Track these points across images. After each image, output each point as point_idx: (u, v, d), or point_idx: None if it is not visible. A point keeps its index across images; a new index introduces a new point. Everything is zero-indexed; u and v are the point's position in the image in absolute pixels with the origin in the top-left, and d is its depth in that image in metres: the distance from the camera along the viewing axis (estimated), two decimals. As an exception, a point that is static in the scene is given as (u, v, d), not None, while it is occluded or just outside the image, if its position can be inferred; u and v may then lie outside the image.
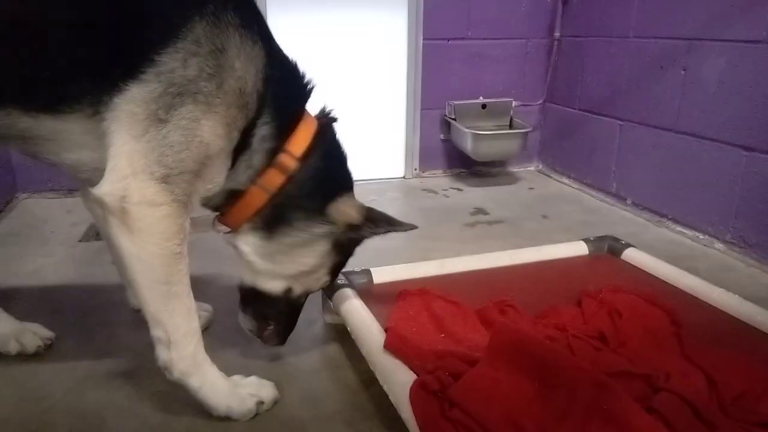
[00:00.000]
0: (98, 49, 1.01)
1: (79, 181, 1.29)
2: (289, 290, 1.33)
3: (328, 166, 1.27)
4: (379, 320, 1.32)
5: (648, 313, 1.40)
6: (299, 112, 1.24)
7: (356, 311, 1.38)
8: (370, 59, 2.91)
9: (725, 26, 2.07)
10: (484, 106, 3.06)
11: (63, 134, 1.05)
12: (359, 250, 1.99)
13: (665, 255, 1.84)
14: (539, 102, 3.19)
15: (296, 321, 1.40)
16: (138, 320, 1.55)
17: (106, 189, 1.03)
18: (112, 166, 1.03)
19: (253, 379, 1.25)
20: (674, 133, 2.33)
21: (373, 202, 2.55)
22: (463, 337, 1.29)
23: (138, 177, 1.02)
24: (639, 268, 1.71)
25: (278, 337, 1.37)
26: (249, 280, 1.33)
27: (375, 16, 2.85)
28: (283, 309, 1.35)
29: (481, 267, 1.69)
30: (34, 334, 1.43)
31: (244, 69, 1.09)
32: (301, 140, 1.21)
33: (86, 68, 1.01)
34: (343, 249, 1.34)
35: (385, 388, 1.15)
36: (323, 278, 1.36)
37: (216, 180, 1.17)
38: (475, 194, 2.85)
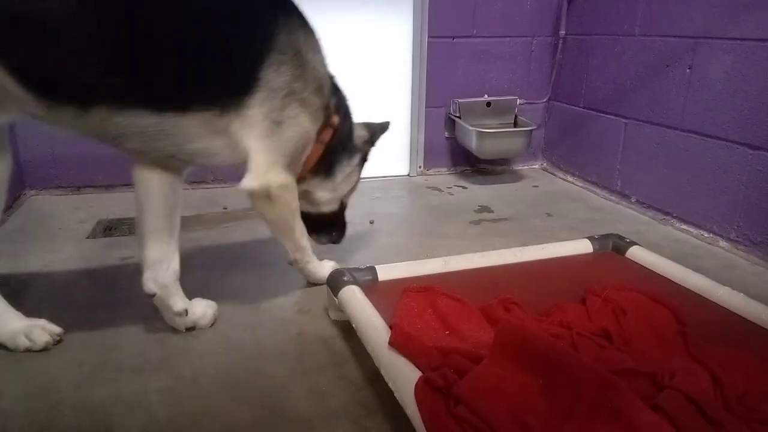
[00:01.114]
0: (222, 62, 1.28)
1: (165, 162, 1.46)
2: (342, 203, 1.83)
3: (346, 112, 1.68)
4: (384, 317, 1.33)
5: (653, 311, 1.40)
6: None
7: (361, 308, 1.38)
8: (376, 57, 2.91)
9: (731, 24, 2.06)
10: (488, 104, 3.06)
11: (185, 129, 1.29)
12: (363, 247, 2.01)
13: (670, 253, 1.84)
14: (544, 100, 3.19)
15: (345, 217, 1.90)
16: (147, 315, 1.58)
17: (254, 184, 1.42)
18: (254, 165, 1.40)
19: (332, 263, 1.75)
20: (679, 131, 2.32)
21: (378, 199, 2.58)
22: (467, 334, 1.30)
23: (274, 170, 1.42)
24: (643, 266, 1.71)
25: (340, 234, 1.88)
26: (315, 210, 1.77)
27: (380, 14, 2.86)
28: (340, 217, 1.85)
29: (486, 264, 1.70)
30: (42, 330, 1.44)
31: (313, 59, 1.43)
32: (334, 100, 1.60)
33: (216, 78, 1.29)
34: (364, 159, 1.82)
35: (390, 384, 1.16)
36: (358, 182, 1.85)
37: (308, 149, 1.54)
38: (479, 192, 2.85)
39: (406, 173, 3.11)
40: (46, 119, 1.20)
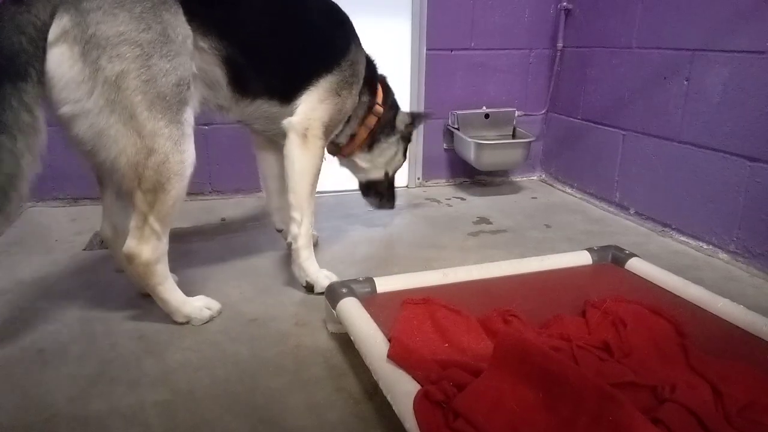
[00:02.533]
0: (318, 61, 1.78)
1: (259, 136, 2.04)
2: (386, 173, 2.25)
3: (392, 104, 2.16)
4: (382, 330, 1.32)
5: (653, 323, 1.39)
6: (376, 80, 2.05)
7: (360, 320, 1.37)
8: (374, 69, 2.92)
9: (728, 37, 2.07)
10: (487, 115, 3.06)
11: (285, 112, 1.77)
12: (361, 259, 2.00)
13: (669, 265, 1.83)
14: (542, 112, 3.20)
15: (395, 191, 2.34)
16: (143, 329, 1.57)
17: (298, 120, 1.75)
18: (304, 110, 1.75)
19: (326, 271, 1.85)
20: (677, 143, 2.33)
21: (376, 211, 2.57)
22: (467, 346, 1.29)
23: (316, 121, 1.77)
24: (643, 278, 1.70)
25: (389, 203, 2.34)
26: (363, 178, 2.26)
27: (379, 27, 2.86)
28: (386, 185, 2.29)
29: (485, 276, 1.69)
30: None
31: (361, 69, 1.91)
32: (381, 95, 2.06)
33: (309, 74, 1.76)
34: (406, 138, 2.26)
35: (388, 398, 1.15)
36: (400, 159, 2.29)
37: (340, 127, 1.93)
38: (478, 203, 2.85)
39: (405, 185, 3.12)
40: (225, 108, 1.72)
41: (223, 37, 1.54)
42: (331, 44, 1.82)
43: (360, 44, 1.92)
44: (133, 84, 1.36)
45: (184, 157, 1.46)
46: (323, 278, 1.77)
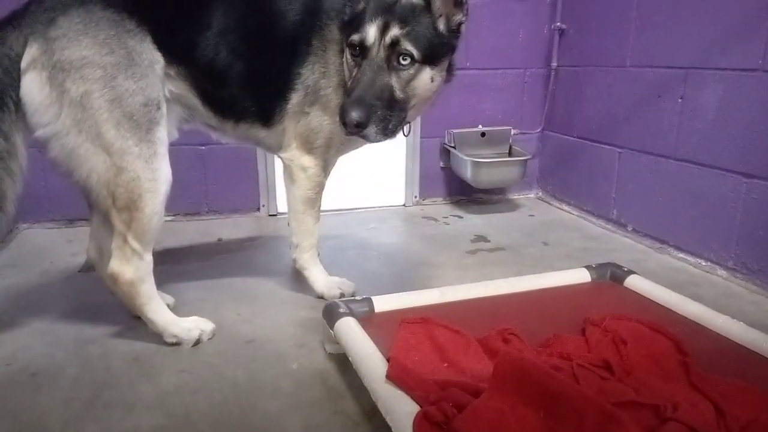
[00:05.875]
0: (283, 82, 1.68)
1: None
2: None
3: None
4: (381, 350, 1.31)
5: (653, 341, 1.38)
6: None
7: (358, 340, 1.36)
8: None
9: (721, 55, 2.09)
10: (483, 134, 3.08)
11: (272, 136, 1.78)
12: (359, 278, 1.97)
13: (667, 282, 1.83)
14: (538, 130, 3.22)
15: None
16: (139, 351, 1.55)
17: (285, 155, 1.78)
18: (287, 142, 1.76)
19: (342, 279, 1.93)
20: (673, 160, 2.34)
21: (374, 229, 2.57)
22: (466, 366, 1.27)
23: (299, 151, 1.76)
24: (642, 296, 1.69)
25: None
26: None
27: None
28: None
29: (483, 295, 1.68)
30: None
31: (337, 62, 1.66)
32: None
33: (276, 95, 1.70)
34: None
35: (387, 419, 1.13)
36: None
37: (343, 147, 1.81)
38: (475, 221, 2.85)
39: (402, 203, 3.11)
40: (216, 129, 1.78)
41: (186, 64, 1.59)
42: (293, 53, 1.67)
43: (335, 25, 1.66)
44: (97, 103, 1.41)
45: (157, 174, 1.48)
46: (331, 289, 1.89)
